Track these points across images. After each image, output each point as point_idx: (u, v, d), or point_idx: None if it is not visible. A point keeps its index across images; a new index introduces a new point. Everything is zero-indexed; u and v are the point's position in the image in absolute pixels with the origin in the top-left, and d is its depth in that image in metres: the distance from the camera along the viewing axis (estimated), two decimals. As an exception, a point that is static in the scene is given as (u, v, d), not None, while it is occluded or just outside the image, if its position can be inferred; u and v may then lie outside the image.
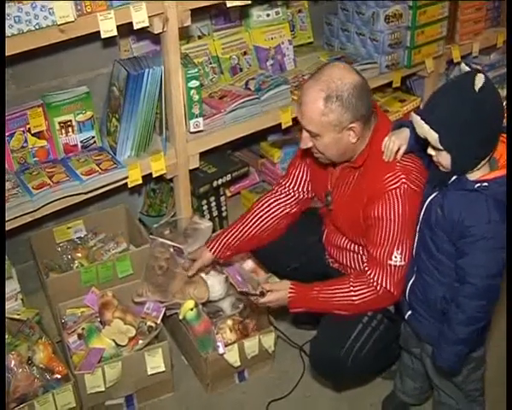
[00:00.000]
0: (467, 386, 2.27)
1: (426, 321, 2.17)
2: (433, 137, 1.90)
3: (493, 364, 2.51)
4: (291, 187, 2.62)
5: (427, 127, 1.90)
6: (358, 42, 3.39)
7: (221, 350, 2.55)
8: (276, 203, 2.62)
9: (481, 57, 3.91)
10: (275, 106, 2.97)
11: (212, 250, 2.59)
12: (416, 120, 1.94)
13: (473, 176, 1.95)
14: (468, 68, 1.96)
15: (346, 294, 2.30)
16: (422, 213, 2.12)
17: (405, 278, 2.24)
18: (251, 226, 2.59)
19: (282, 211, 2.61)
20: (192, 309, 2.59)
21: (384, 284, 2.25)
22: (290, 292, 2.35)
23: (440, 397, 2.35)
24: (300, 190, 2.61)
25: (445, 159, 1.94)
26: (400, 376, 2.53)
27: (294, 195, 2.62)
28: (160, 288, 2.63)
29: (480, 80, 1.83)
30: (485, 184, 1.92)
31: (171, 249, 2.70)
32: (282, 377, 2.73)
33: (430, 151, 1.98)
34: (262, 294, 2.36)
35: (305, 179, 2.60)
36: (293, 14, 3.41)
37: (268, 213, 2.60)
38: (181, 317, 2.62)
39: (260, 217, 2.60)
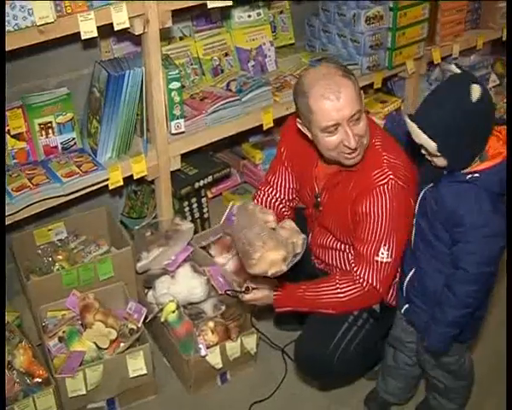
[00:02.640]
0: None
1: (424, 313, 2.20)
2: (431, 145, 1.94)
3: (488, 355, 2.61)
4: (272, 193, 2.61)
5: (424, 137, 1.94)
6: (339, 43, 3.41)
7: (203, 352, 2.54)
8: (269, 199, 2.61)
9: (461, 59, 3.94)
10: (256, 107, 2.97)
11: None
12: (413, 128, 1.97)
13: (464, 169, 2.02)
14: (458, 70, 1.99)
15: (332, 292, 2.30)
16: (418, 207, 2.17)
17: (402, 272, 2.29)
18: None
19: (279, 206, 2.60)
20: (174, 312, 2.58)
21: (370, 281, 2.25)
22: (276, 291, 2.35)
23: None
24: (282, 197, 2.60)
25: (440, 161, 1.99)
26: (383, 376, 2.54)
27: (275, 201, 2.60)
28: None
29: (476, 92, 1.88)
30: (477, 175, 1.99)
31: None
32: (265, 378, 2.73)
33: (423, 151, 2.02)
34: (247, 289, 2.35)
35: (285, 186, 2.59)
36: (275, 15, 3.41)
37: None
38: (162, 319, 2.61)
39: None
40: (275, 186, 2.60)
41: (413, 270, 2.23)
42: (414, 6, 3.35)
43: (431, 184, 2.12)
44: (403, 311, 2.29)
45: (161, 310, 2.63)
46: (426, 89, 3.83)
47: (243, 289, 2.37)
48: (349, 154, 2.21)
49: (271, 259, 2.06)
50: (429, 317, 2.15)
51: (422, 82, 3.79)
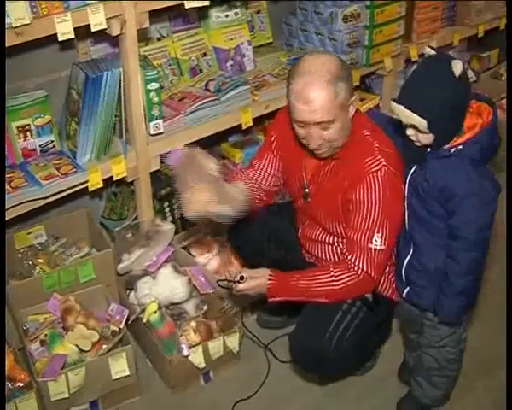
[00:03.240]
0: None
1: (425, 291, 2.27)
2: (421, 123, 2.02)
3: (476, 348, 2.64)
4: (254, 177, 2.59)
5: (415, 116, 2.02)
6: (317, 42, 3.42)
7: (185, 352, 2.54)
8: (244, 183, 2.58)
9: (438, 56, 3.97)
10: (235, 107, 2.98)
11: None
12: (401, 110, 2.05)
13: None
14: (433, 52, 2.10)
15: (326, 280, 2.30)
16: (408, 189, 2.24)
17: (398, 257, 2.36)
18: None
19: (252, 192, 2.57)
20: (155, 312, 2.58)
21: (365, 268, 2.26)
22: (269, 279, 2.34)
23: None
24: (263, 182, 2.59)
25: (427, 139, 2.08)
26: (406, 350, 2.65)
27: (254, 184, 2.58)
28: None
29: (458, 67, 1.98)
30: (460, 147, 2.08)
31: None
32: (248, 377, 2.73)
33: (410, 132, 2.10)
34: (242, 278, 2.34)
35: (269, 173, 2.58)
36: (252, 14, 3.42)
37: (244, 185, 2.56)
38: (144, 320, 2.60)
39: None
40: (257, 170, 2.59)
41: (411, 252, 2.29)
42: (390, 4, 3.37)
43: (415, 167, 2.20)
44: (404, 295, 2.36)
45: (143, 311, 2.62)
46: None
47: (238, 279, 2.36)
48: (314, 150, 2.26)
49: (200, 199, 2.16)
50: (436, 291, 2.22)
51: (400, 79, 3.81)
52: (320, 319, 2.36)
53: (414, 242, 2.28)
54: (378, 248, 2.25)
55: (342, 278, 2.29)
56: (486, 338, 2.83)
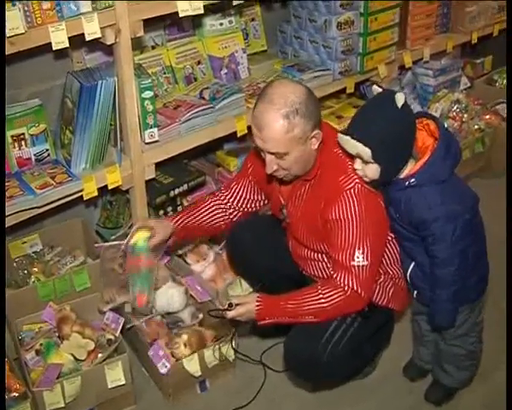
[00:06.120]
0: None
1: (430, 292, 2.34)
2: (366, 153, 2.10)
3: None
4: (230, 200, 2.65)
5: (359, 144, 2.10)
6: (311, 49, 3.43)
7: (163, 370, 2.53)
8: (215, 208, 2.65)
9: (432, 62, 3.99)
10: (229, 115, 2.98)
11: (176, 223, 2.59)
12: (347, 140, 2.14)
13: (402, 173, 2.21)
14: (380, 89, 2.21)
15: (315, 300, 2.30)
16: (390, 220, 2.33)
17: (403, 266, 2.45)
18: (198, 219, 2.63)
19: (221, 216, 2.66)
20: (145, 241, 2.49)
21: (351, 285, 2.26)
22: (257, 304, 2.33)
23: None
24: (239, 205, 2.66)
25: (372, 171, 2.15)
26: (415, 346, 2.72)
27: (231, 206, 2.66)
28: (124, 288, 2.59)
29: (401, 98, 2.09)
30: (413, 179, 2.17)
31: (122, 247, 2.66)
32: (244, 384, 2.72)
33: (357, 165, 2.18)
34: (230, 305, 2.34)
35: (245, 197, 2.65)
36: (247, 22, 3.43)
37: (210, 214, 2.65)
38: (132, 242, 2.49)
39: (205, 214, 2.64)
40: (233, 193, 2.66)
41: (413, 263, 2.36)
42: (384, 11, 3.38)
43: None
44: (414, 296, 2.47)
45: (132, 236, 2.52)
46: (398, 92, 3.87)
47: (226, 307, 2.36)
48: (271, 174, 2.31)
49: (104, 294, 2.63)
50: (429, 299, 2.33)
51: (394, 86, 3.82)
52: (315, 328, 2.35)
53: (411, 257, 2.36)
54: (361, 264, 2.25)
55: (330, 297, 2.29)
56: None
